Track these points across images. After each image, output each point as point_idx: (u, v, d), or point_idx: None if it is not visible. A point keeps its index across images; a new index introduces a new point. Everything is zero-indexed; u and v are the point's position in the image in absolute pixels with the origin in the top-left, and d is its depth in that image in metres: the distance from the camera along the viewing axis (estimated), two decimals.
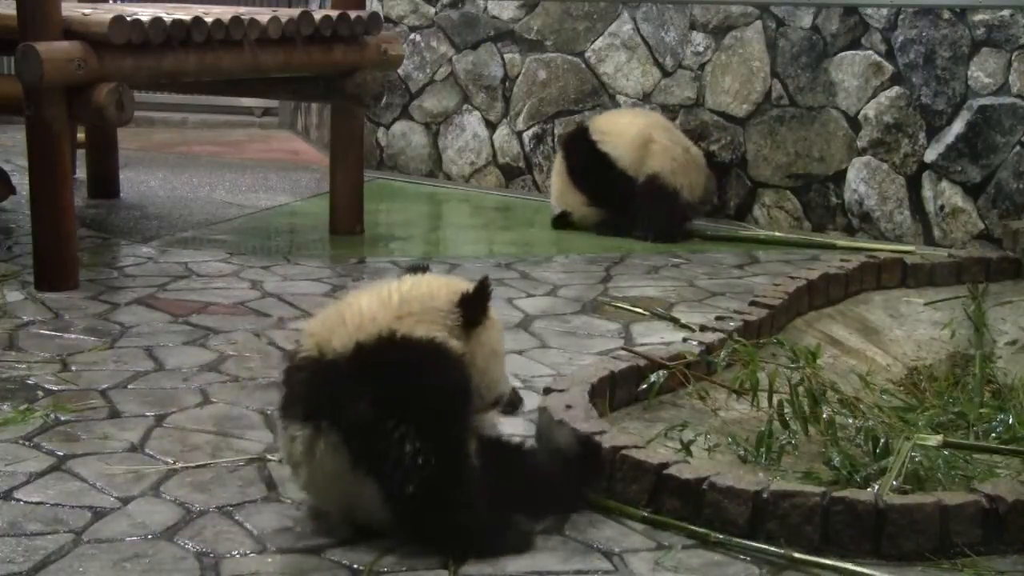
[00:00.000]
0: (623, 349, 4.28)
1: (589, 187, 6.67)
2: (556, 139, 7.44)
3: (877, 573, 2.98)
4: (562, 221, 6.77)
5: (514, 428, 3.65)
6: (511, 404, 3.31)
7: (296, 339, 3.24)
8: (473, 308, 3.11)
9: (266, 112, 10.50)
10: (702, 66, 7.08)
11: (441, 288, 3.14)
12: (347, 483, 3.00)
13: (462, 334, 3.09)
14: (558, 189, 6.82)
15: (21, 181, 6.69)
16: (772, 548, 3.07)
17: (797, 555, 3.04)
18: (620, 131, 6.66)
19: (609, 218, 6.65)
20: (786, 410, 3.85)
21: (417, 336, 3.00)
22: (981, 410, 4.26)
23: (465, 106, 7.99)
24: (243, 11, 5.90)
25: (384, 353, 2.98)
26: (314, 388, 3.01)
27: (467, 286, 3.14)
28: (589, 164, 6.67)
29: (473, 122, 7.97)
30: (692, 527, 3.16)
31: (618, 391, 3.90)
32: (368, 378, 2.95)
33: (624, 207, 6.59)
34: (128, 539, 3.08)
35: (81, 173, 7.33)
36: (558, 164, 6.86)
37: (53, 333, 4.69)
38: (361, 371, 2.96)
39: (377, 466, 2.94)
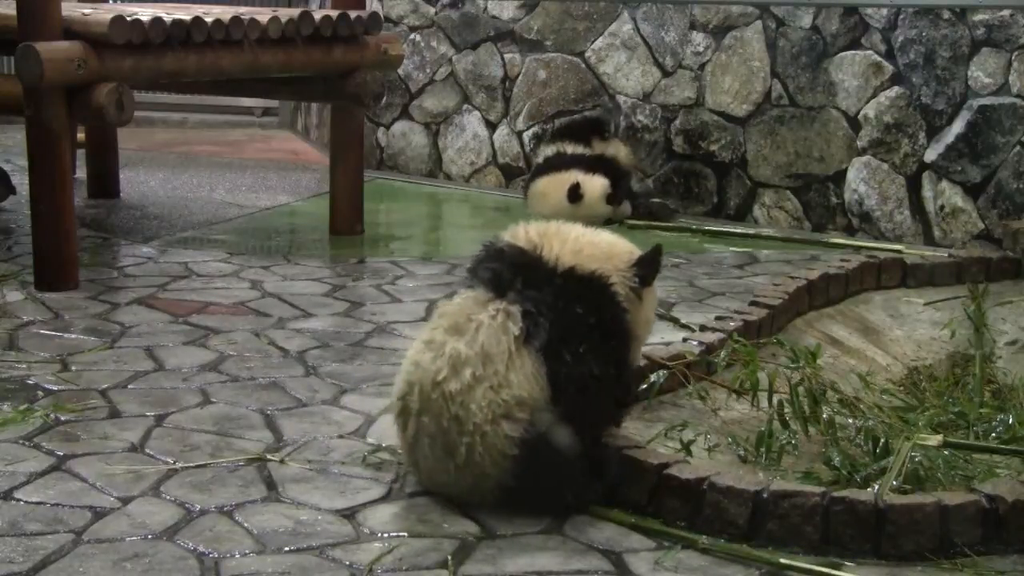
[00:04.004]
0: None
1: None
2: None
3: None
4: (573, 196, 6.74)
5: None
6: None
7: (501, 235, 3.47)
8: (648, 269, 3.42)
9: (266, 112, 10.50)
10: (702, 66, 7.08)
11: (623, 247, 3.46)
12: (502, 344, 3.18)
13: (631, 295, 3.38)
14: (559, 176, 6.83)
15: (21, 181, 6.69)
16: (758, 552, 3.08)
17: (784, 560, 3.05)
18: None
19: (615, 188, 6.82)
20: (786, 410, 3.85)
21: (617, 288, 3.34)
22: (981, 410, 4.27)
23: (465, 106, 7.99)
24: (243, 11, 5.90)
25: (591, 288, 3.31)
26: (522, 270, 3.29)
27: (637, 250, 3.47)
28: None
29: (473, 122, 7.97)
30: (679, 532, 3.17)
31: None
32: (572, 297, 3.26)
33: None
34: (128, 539, 3.08)
35: (81, 173, 7.33)
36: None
37: (53, 333, 4.69)
38: (569, 288, 3.27)
39: (568, 364, 3.20)
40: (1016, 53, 6.11)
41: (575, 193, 6.71)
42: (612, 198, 6.76)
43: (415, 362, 3.30)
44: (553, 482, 3.22)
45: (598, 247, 3.39)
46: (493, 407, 3.17)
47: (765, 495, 3.12)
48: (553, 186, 6.82)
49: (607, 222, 6.74)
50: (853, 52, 6.58)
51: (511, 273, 3.28)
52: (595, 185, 6.75)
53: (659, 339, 4.67)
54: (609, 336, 3.31)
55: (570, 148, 7.01)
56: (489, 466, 3.19)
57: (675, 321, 4.95)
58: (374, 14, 6.24)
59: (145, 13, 5.40)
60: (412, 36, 8.09)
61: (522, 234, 3.40)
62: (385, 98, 7.84)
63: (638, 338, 3.50)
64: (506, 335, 3.20)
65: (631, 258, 3.42)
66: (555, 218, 6.57)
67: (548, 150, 7.14)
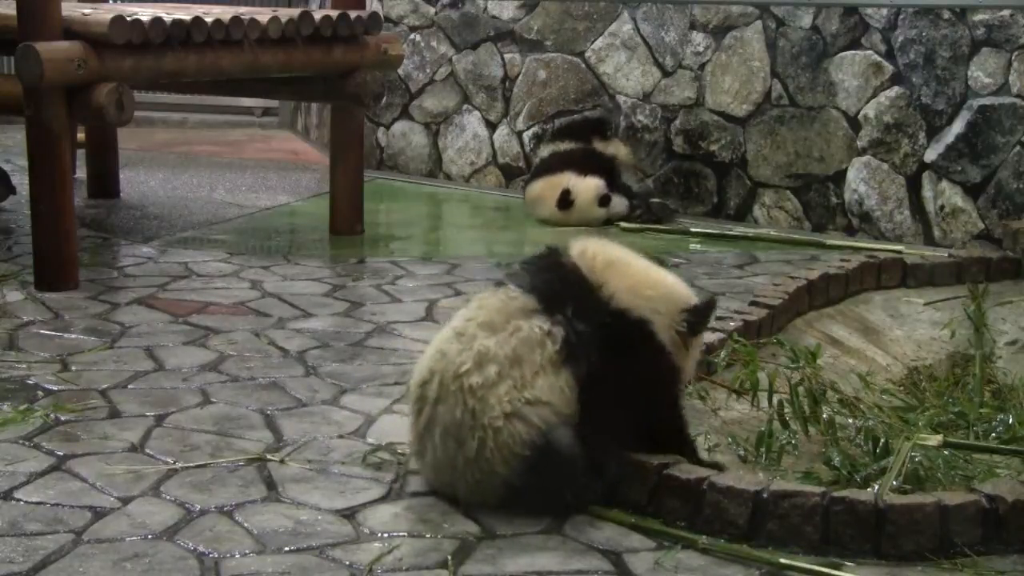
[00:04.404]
0: None
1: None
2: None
3: None
4: (564, 202, 6.75)
5: None
6: None
7: (568, 245, 3.42)
8: (699, 319, 3.41)
9: (266, 112, 10.50)
10: (702, 66, 7.08)
11: (681, 293, 3.44)
12: (535, 355, 3.21)
13: (678, 339, 3.37)
14: (551, 179, 6.84)
15: (21, 181, 6.69)
16: (758, 552, 3.08)
17: (784, 560, 3.04)
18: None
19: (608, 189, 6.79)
20: (786, 410, 3.85)
21: (662, 338, 3.34)
22: (981, 410, 4.27)
23: (465, 106, 7.99)
24: (243, 11, 5.90)
25: (636, 336, 3.31)
26: (576, 298, 3.29)
27: (695, 297, 3.46)
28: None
29: (473, 122, 7.97)
30: (679, 532, 3.17)
31: None
32: (616, 341, 3.26)
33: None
34: (128, 539, 3.08)
35: (81, 173, 7.33)
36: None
37: (53, 333, 4.69)
38: (615, 330, 3.27)
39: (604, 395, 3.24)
40: (1016, 53, 6.11)
41: (565, 200, 6.72)
42: (605, 200, 6.75)
43: (441, 351, 3.30)
44: (559, 486, 3.22)
45: (656, 289, 3.38)
46: (513, 404, 3.18)
47: (765, 495, 3.12)
48: (548, 190, 6.84)
49: (606, 222, 6.75)
50: (853, 52, 6.58)
51: (565, 296, 3.29)
52: (586, 188, 6.75)
53: None
54: (645, 383, 3.31)
55: (563, 147, 7.03)
56: (499, 463, 3.19)
57: None
58: (374, 14, 6.24)
59: (145, 13, 5.40)
60: (412, 36, 8.09)
61: (588, 258, 3.38)
62: (385, 98, 7.83)
63: (680, 380, 3.48)
64: (542, 349, 3.22)
65: (686, 304, 3.41)
66: (551, 221, 6.68)
67: (545, 151, 7.17)
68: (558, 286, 3.32)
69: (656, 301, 3.35)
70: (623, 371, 3.26)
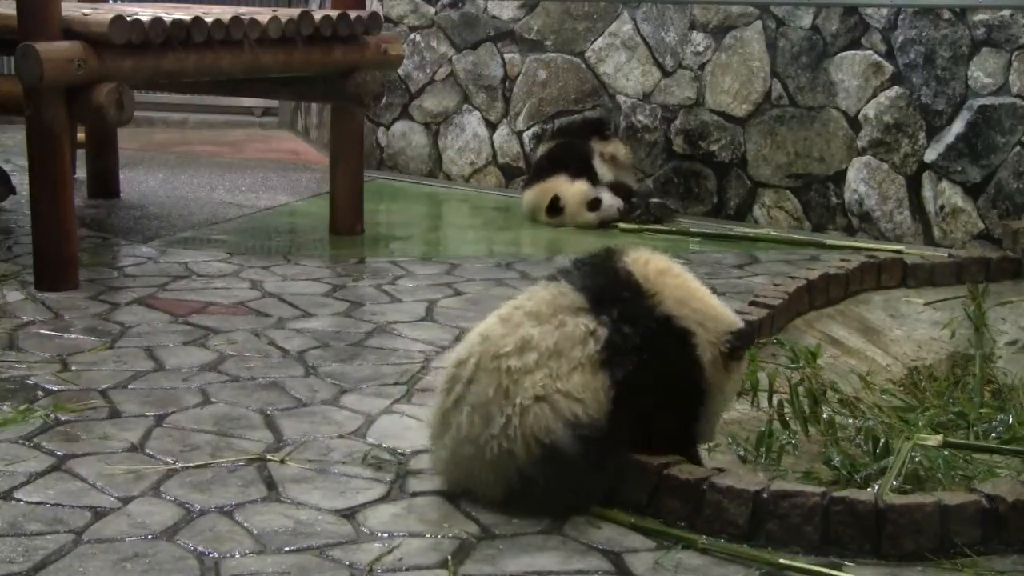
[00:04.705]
0: None
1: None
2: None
3: None
4: (553, 209, 6.76)
5: None
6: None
7: (625, 251, 3.45)
8: (740, 343, 3.41)
9: (266, 112, 10.50)
10: (702, 66, 7.08)
11: (727, 317, 3.45)
12: (575, 351, 3.23)
13: (719, 362, 3.37)
14: (543, 186, 6.85)
15: (21, 181, 6.69)
16: (758, 552, 3.07)
17: (784, 561, 3.04)
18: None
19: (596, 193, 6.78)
20: (786, 410, 3.85)
21: (701, 354, 3.35)
22: (981, 410, 4.27)
23: (465, 106, 7.99)
24: (243, 11, 5.90)
25: (676, 346, 3.33)
26: (624, 303, 3.31)
27: (740, 323, 3.47)
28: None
29: (473, 122, 7.97)
30: (679, 532, 3.17)
31: None
32: (657, 348, 3.29)
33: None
34: (128, 539, 3.08)
35: (81, 173, 7.33)
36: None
37: (53, 333, 4.69)
38: (657, 337, 3.30)
39: (637, 392, 3.25)
40: (1016, 53, 6.11)
41: (554, 207, 6.74)
42: (595, 204, 6.74)
43: (484, 336, 3.32)
44: (571, 484, 3.21)
45: (703, 304, 3.41)
46: (547, 390, 3.19)
47: (765, 495, 3.12)
48: (541, 196, 6.84)
49: (601, 224, 6.74)
50: (853, 52, 6.58)
51: (613, 299, 3.32)
52: (574, 194, 6.75)
53: None
54: (672, 392, 3.33)
55: (550, 147, 7.06)
56: (519, 448, 3.18)
57: None
58: (374, 14, 6.24)
59: (145, 13, 5.40)
60: (412, 36, 8.09)
61: (642, 264, 3.41)
62: (385, 98, 7.84)
63: (713, 406, 3.45)
64: (583, 347, 3.24)
65: (729, 327, 3.41)
66: (547, 224, 6.70)
67: (539, 152, 7.21)
68: (608, 288, 3.34)
69: (702, 316, 3.37)
70: (657, 377, 3.28)
